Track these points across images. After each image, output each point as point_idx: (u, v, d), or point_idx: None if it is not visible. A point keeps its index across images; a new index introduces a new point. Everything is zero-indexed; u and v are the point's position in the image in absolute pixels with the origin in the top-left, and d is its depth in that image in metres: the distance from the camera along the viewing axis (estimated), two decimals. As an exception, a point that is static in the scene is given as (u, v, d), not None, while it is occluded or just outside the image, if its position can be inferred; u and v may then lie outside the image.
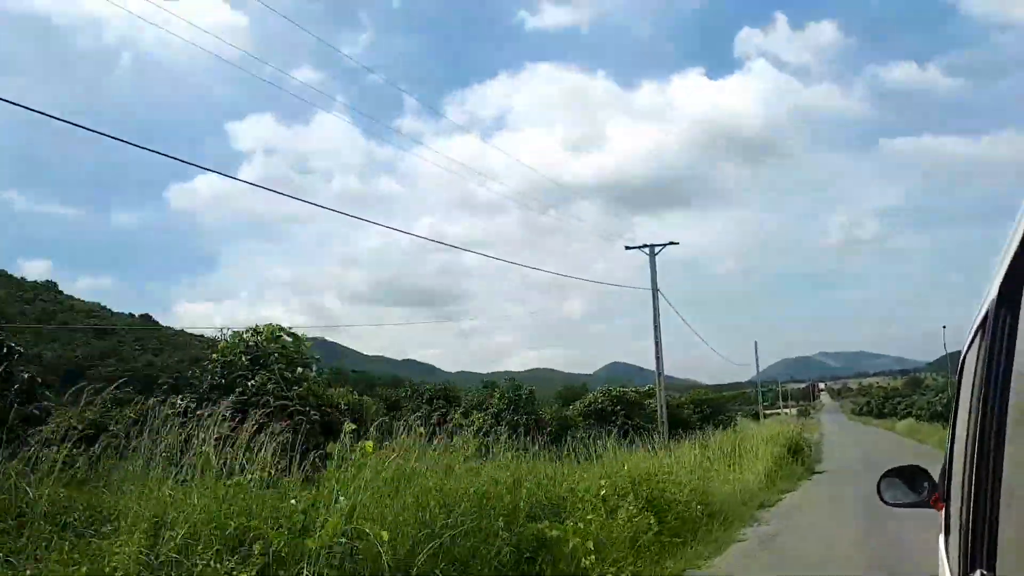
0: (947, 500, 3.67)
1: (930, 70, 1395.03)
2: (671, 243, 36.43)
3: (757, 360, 66.32)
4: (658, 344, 35.08)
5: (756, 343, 71.73)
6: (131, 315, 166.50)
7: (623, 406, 39.24)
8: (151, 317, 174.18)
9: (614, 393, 40.33)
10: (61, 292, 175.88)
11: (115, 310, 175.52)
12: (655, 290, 34.97)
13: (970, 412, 2.54)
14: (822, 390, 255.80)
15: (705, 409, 48.39)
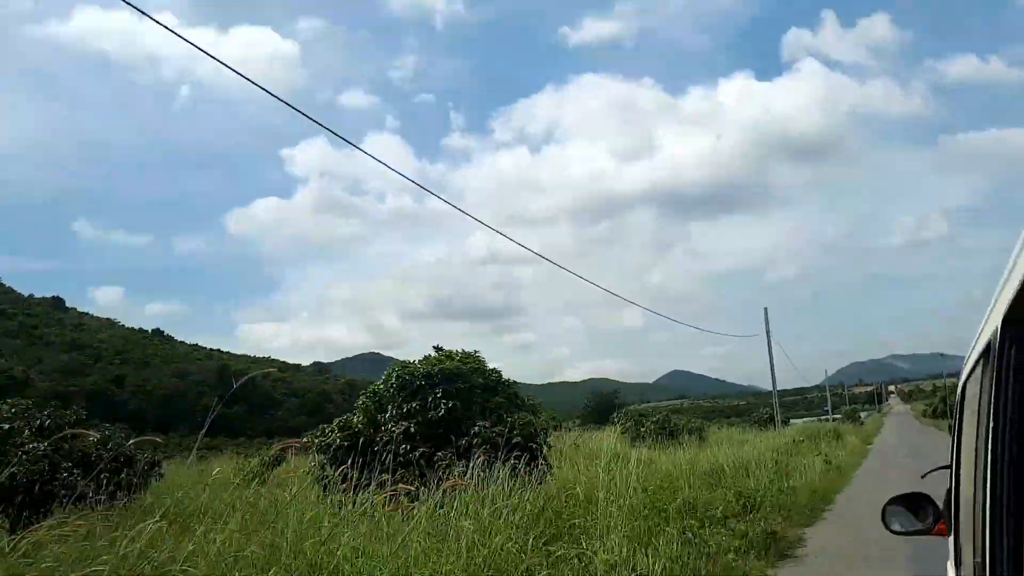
0: (955, 528, 3.71)
1: (992, 62, 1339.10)
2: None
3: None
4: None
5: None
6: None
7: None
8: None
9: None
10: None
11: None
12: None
13: (977, 439, 2.50)
14: (892, 392, 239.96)
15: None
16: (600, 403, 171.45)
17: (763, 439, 28.92)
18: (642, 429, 28.92)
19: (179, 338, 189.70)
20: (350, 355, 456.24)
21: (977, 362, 2.68)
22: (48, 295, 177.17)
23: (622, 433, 30.38)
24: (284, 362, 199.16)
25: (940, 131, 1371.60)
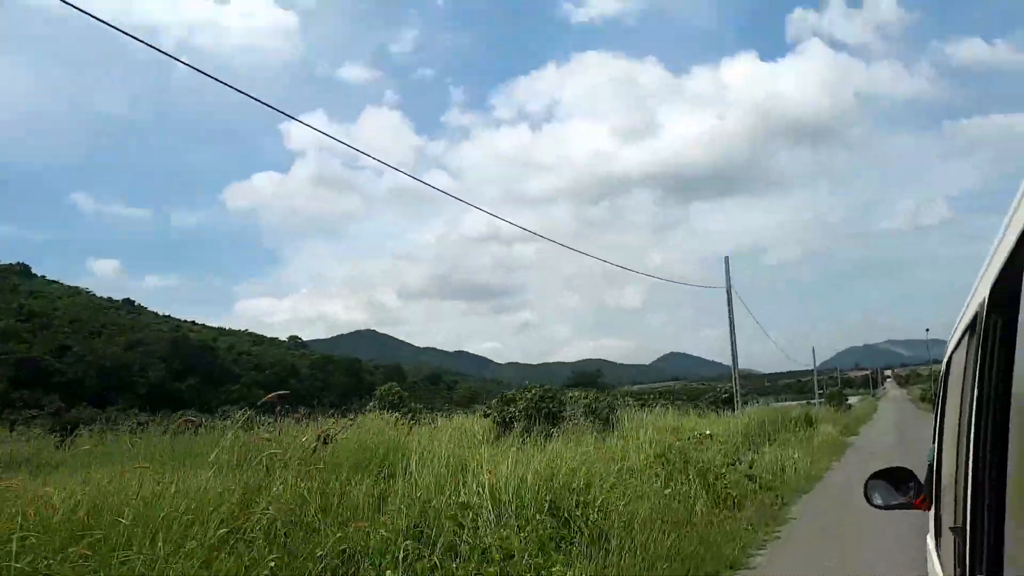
0: (936, 502, 3.81)
1: (999, 46, 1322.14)
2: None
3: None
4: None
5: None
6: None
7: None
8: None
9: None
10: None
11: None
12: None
13: (961, 414, 2.61)
14: (888, 377, 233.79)
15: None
16: (578, 383, 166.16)
17: (701, 424, 21.63)
18: (511, 411, 20.92)
19: (153, 309, 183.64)
20: (347, 331, 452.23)
21: (962, 337, 2.87)
22: (14, 261, 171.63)
23: (484, 416, 22.64)
24: (261, 336, 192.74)
25: (945, 115, 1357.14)
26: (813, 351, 68.85)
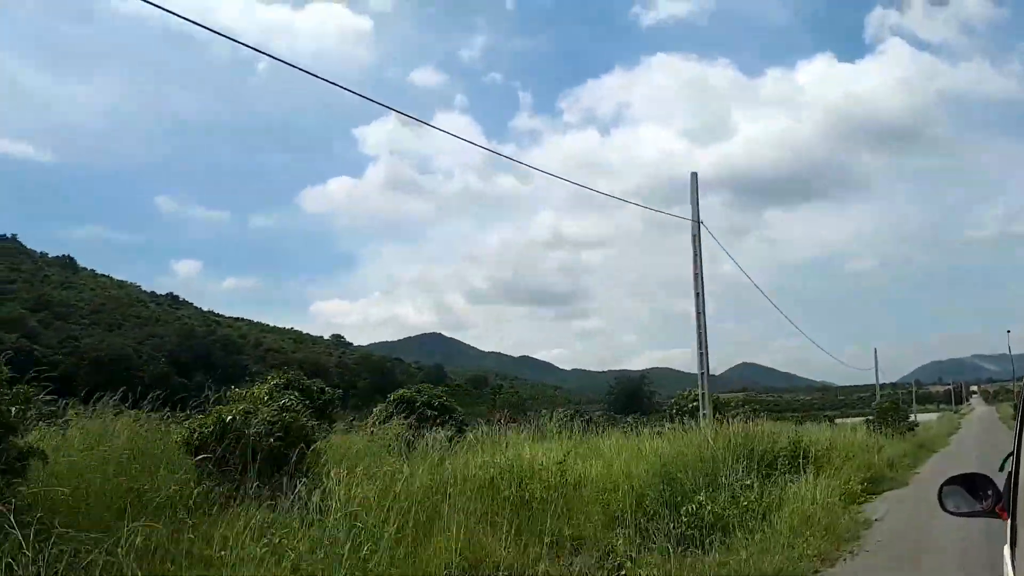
0: (1013, 510, 3.62)
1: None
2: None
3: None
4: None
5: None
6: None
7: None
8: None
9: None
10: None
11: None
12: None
13: None
14: (974, 392, 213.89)
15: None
16: (622, 391, 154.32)
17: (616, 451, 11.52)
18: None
19: (197, 304, 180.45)
20: (414, 334, 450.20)
21: None
22: (61, 254, 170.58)
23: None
24: (300, 332, 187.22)
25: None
26: (875, 354, 56.23)
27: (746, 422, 17.33)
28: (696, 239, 18.51)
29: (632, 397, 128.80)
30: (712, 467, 10.91)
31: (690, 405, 19.73)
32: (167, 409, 10.76)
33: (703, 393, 18.04)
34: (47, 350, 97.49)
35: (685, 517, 8.82)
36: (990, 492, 4.12)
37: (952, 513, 4.26)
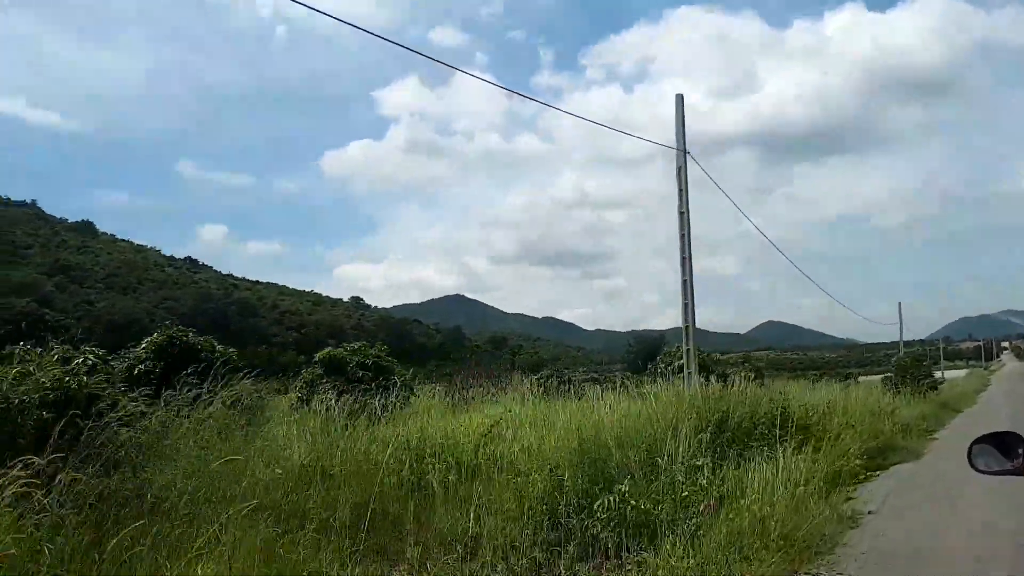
0: None
1: None
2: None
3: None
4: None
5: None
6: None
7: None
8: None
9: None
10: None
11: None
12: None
13: None
14: (1004, 348, 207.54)
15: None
16: (641, 350, 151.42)
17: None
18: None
19: (217, 268, 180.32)
20: (437, 296, 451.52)
21: None
22: (80, 219, 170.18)
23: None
24: (320, 295, 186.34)
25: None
26: (900, 308, 52.78)
27: (740, 383, 15.00)
28: (682, 172, 16.02)
29: (651, 356, 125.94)
30: (652, 442, 8.63)
31: (677, 363, 17.38)
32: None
33: (687, 349, 15.68)
34: (60, 314, 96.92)
35: (600, 513, 6.62)
36: (1021, 451, 3.90)
37: (982, 472, 4.09)
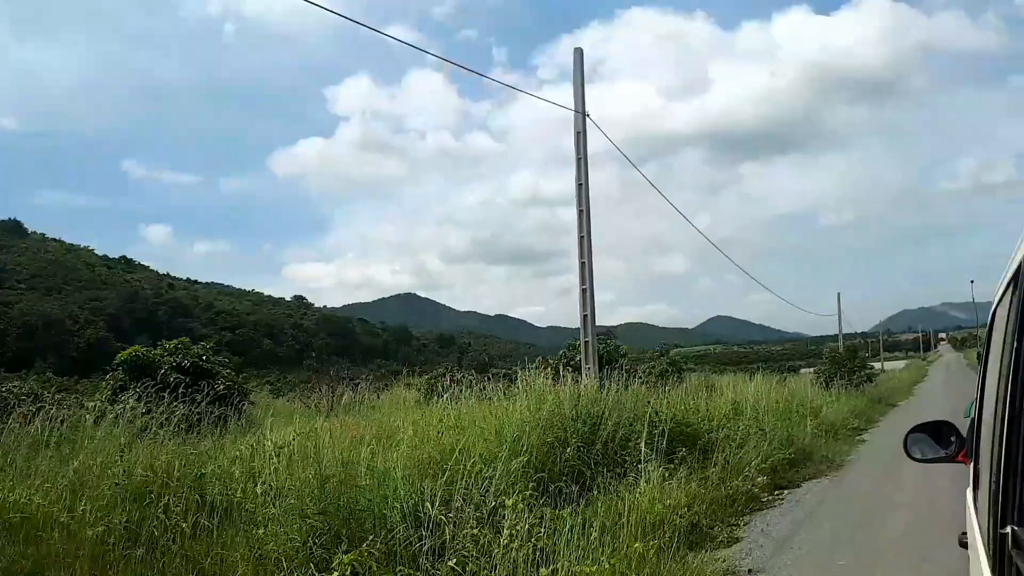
0: (976, 455, 3.68)
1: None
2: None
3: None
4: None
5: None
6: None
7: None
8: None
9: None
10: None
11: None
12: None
13: (1001, 367, 2.46)
14: (942, 340, 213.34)
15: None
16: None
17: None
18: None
19: (155, 267, 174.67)
20: (388, 296, 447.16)
21: (1006, 290, 2.69)
22: (8, 217, 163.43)
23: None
24: (262, 294, 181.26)
25: (1013, 69, 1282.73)
26: (839, 299, 51.14)
27: (647, 382, 12.95)
28: (580, 137, 13.96)
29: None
30: (464, 469, 6.28)
31: (577, 358, 15.33)
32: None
33: (585, 342, 13.64)
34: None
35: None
36: (953, 439, 4.13)
37: (917, 460, 4.24)
